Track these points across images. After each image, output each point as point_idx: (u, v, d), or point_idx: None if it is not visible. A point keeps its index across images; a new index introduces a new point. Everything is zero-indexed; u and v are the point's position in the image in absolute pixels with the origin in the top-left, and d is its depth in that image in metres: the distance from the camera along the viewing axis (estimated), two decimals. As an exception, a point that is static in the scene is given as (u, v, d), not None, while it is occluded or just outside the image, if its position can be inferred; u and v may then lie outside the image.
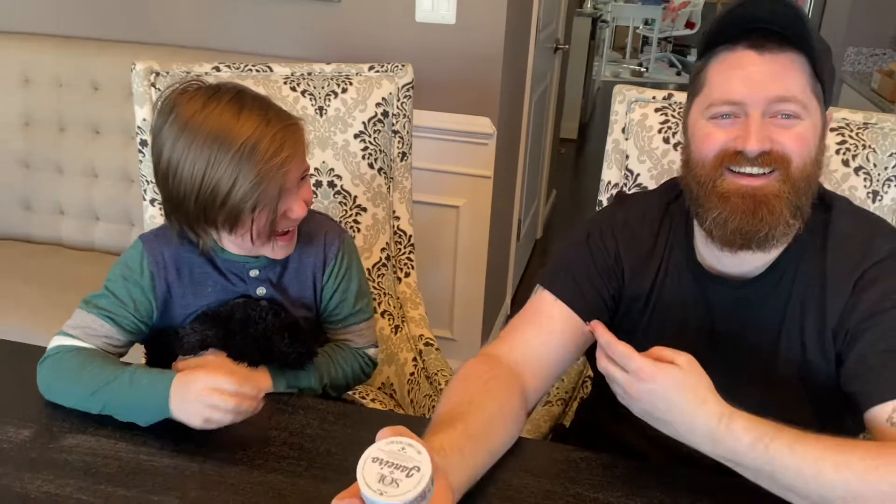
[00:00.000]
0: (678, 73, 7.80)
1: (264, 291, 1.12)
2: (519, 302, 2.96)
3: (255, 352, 1.06)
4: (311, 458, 0.93)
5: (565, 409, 1.46)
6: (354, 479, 0.89)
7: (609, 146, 1.51)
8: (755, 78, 0.93)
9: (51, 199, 2.25)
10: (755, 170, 0.93)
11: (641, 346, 1.04)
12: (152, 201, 1.55)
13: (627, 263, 1.07)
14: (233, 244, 1.07)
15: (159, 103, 1.02)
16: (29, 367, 1.03)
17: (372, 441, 0.95)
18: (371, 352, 1.24)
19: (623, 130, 1.49)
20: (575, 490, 0.90)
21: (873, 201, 1.36)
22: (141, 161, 1.54)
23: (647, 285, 1.07)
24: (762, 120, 0.93)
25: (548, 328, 1.05)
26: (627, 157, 1.49)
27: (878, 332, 0.91)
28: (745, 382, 1.02)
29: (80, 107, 2.19)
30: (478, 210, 2.27)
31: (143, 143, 1.52)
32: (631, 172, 1.49)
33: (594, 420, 1.25)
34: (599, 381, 1.18)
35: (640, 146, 1.47)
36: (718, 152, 0.95)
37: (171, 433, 0.96)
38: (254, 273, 1.11)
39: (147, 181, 1.54)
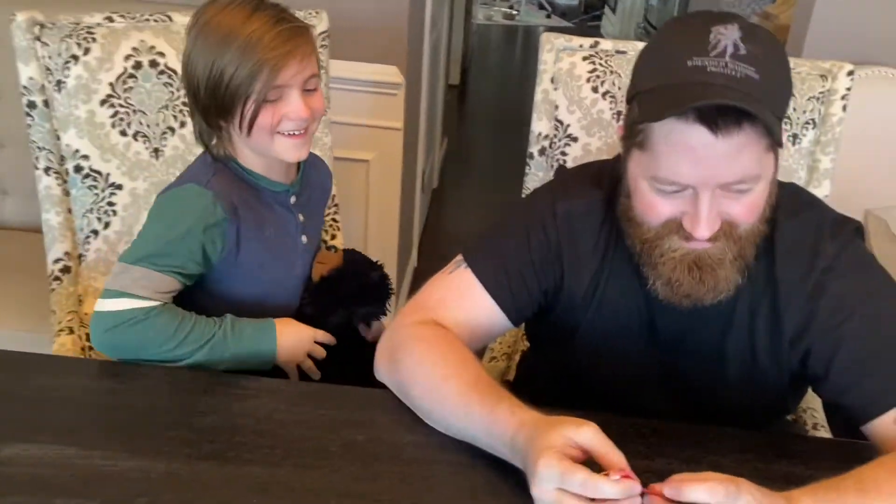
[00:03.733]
0: (548, 16, 7.86)
1: (303, 218, 1.20)
2: (424, 254, 2.94)
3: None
4: (287, 446, 0.87)
5: (509, 363, 1.46)
6: (339, 466, 0.84)
7: (538, 97, 1.48)
8: (708, 163, 0.82)
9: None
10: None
11: (588, 339, 1.05)
12: (46, 170, 1.38)
13: (567, 258, 1.02)
14: (247, 148, 1.11)
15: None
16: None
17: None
18: None
19: (552, 80, 1.47)
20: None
21: (793, 144, 1.42)
22: (30, 125, 1.37)
23: (586, 282, 1.02)
24: (712, 200, 0.84)
25: (474, 315, 1.02)
26: (557, 107, 1.48)
27: (853, 343, 0.91)
28: (690, 384, 1.04)
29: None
30: (388, 163, 2.20)
31: (32, 104, 1.35)
32: (561, 123, 1.48)
33: (535, 378, 1.25)
34: (535, 340, 1.20)
35: (569, 96, 1.46)
36: (664, 223, 0.88)
37: (123, 433, 0.88)
38: (293, 200, 1.18)
39: (39, 148, 1.37)
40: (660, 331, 1.02)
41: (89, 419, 0.90)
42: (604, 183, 1.04)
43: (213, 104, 1.05)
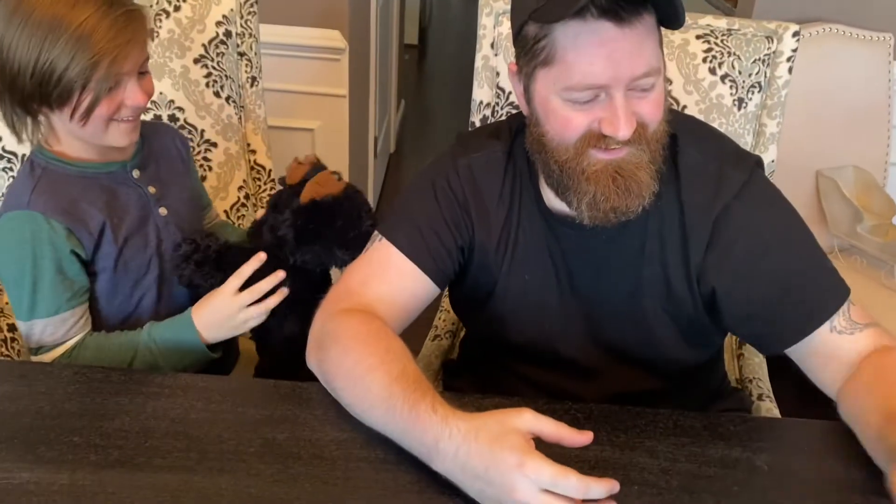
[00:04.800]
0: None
1: (154, 190, 1.14)
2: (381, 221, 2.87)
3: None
4: (202, 448, 0.83)
5: (454, 340, 1.42)
6: (253, 469, 0.80)
7: (478, 63, 1.42)
8: (617, 57, 0.83)
9: None
10: (619, 145, 0.88)
11: (506, 294, 1.05)
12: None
13: (475, 210, 1.02)
14: (72, 136, 1.05)
15: None
16: None
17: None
18: None
19: (492, 46, 1.41)
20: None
21: (739, 108, 1.38)
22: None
23: (496, 233, 1.02)
24: (625, 99, 0.85)
25: (399, 284, 1.00)
26: (498, 74, 1.42)
27: (772, 275, 0.93)
28: (611, 321, 1.03)
29: None
30: (335, 132, 2.13)
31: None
32: (503, 91, 1.42)
33: (474, 359, 1.23)
34: (461, 310, 1.17)
35: (510, 62, 1.39)
36: (582, 136, 0.88)
37: (25, 441, 0.83)
38: (136, 174, 1.13)
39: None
40: (576, 276, 1.02)
41: (-12, 427, 0.84)
42: (502, 135, 1.05)
43: (39, 94, 0.98)
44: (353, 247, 1.09)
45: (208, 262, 1.12)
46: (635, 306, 1.01)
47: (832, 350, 0.93)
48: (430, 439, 0.77)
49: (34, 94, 0.98)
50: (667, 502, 0.80)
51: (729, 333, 1.12)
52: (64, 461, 0.80)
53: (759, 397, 1.27)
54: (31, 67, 0.95)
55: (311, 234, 1.12)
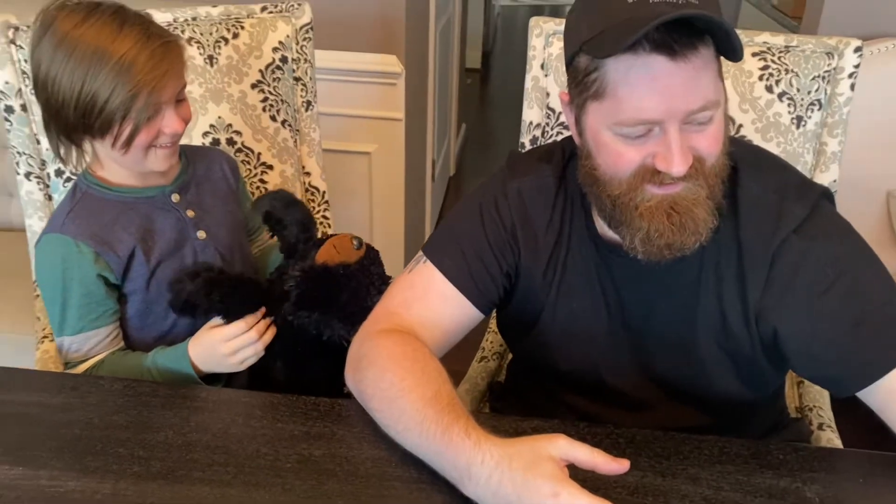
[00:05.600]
0: (576, -6, 7.70)
1: (193, 214, 1.17)
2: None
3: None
4: (240, 463, 0.84)
5: (501, 362, 1.41)
6: (287, 485, 0.81)
7: (528, 84, 1.42)
8: (671, 92, 0.80)
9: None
10: (674, 180, 0.84)
11: (553, 321, 1.03)
12: (27, 175, 1.37)
13: (522, 235, 1.00)
14: (116, 163, 1.10)
15: (39, 17, 1.03)
16: None
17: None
18: None
19: (542, 66, 1.41)
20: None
21: (797, 127, 1.33)
22: (9, 130, 1.35)
23: (544, 259, 1.00)
24: (680, 134, 0.82)
25: (441, 309, 0.99)
26: (548, 94, 1.41)
27: (840, 312, 0.87)
28: (662, 354, 1.00)
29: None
30: (391, 155, 2.16)
31: (9, 109, 1.33)
32: (553, 111, 1.42)
33: (520, 384, 1.22)
34: (507, 335, 1.16)
35: (561, 83, 1.39)
36: (635, 171, 0.84)
37: (73, 451, 0.85)
38: (175, 198, 1.17)
39: (19, 153, 1.36)
40: (626, 306, 0.99)
41: (41, 436, 0.87)
42: (554, 159, 1.03)
43: (83, 124, 1.02)
44: (355, 321, 1.04)
45: (220, 285, 1.06)
46: (687, 340, 0.97)
47: None
48: (462, 463, 0.77)
49: (78, 125, 1.03)
50: (708, 532, 0.77)
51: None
52: (108, 471, 0.83)
53: (820, 427, 1.21)
54: (74, 99, 1.00)
55: (312, 301, 1.09)
